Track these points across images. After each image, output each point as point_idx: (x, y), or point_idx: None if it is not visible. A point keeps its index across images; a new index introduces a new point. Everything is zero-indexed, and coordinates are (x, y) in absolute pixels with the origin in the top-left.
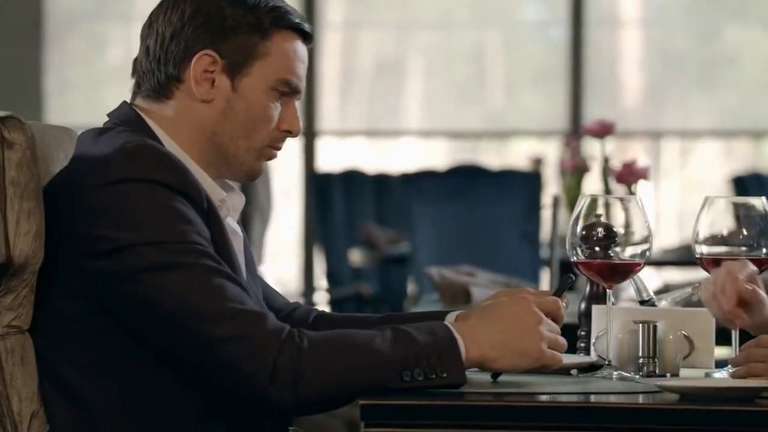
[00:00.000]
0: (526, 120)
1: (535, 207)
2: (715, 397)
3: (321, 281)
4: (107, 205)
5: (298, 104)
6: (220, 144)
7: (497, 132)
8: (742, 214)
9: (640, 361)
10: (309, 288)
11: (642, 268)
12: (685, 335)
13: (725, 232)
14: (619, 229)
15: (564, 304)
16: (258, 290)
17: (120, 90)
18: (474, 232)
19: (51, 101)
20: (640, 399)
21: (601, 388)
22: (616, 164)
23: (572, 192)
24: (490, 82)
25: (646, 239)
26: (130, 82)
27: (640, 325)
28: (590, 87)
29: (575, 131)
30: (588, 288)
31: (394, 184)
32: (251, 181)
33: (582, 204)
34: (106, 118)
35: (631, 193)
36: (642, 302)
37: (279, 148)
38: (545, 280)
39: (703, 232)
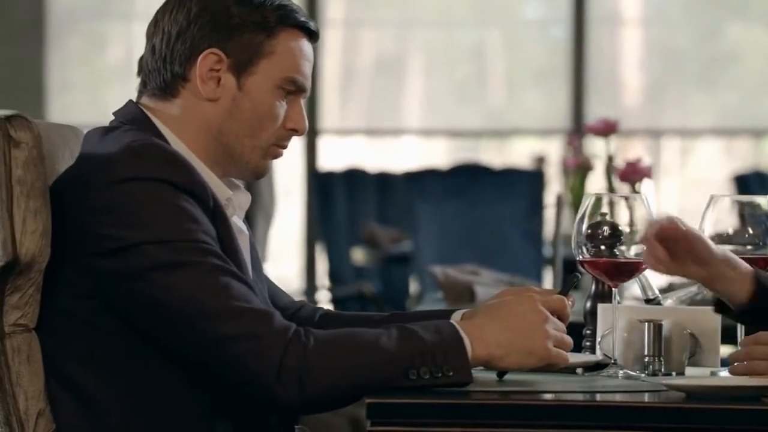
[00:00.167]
0: (526, 119)
1: (537, 206)
2: (721, 396)
3: (323, 280)
4: (113, 204)
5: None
6: (226, 143)
7: (498, 131)
8: (747, 213)
9: (646, 359)
10: (311, 287)
11: (647, 266)
12: (690, 334)
13: (730, 231)
14: (625, 228)
15: (570, 302)
16: (264, 289)
17: (121, 89)
18: (477, 230)
19: (52, 100)
20: (646, 398)
21: (607, 386)
22: (617, 163)
23: (576, 191)
24: (490, 80)
25: None
26: (130, 81)
27: (646, 323)
28: (591, 86)
29: (576, 130)
30: (593, 287)
31: (396, 182)
32: (257, 179)
33: (587, 203)
34: (107, 117)
35: (635, 191)
36: (647, 301)
37: (285, 147)
38: (548, 279)
39: (708, 231)
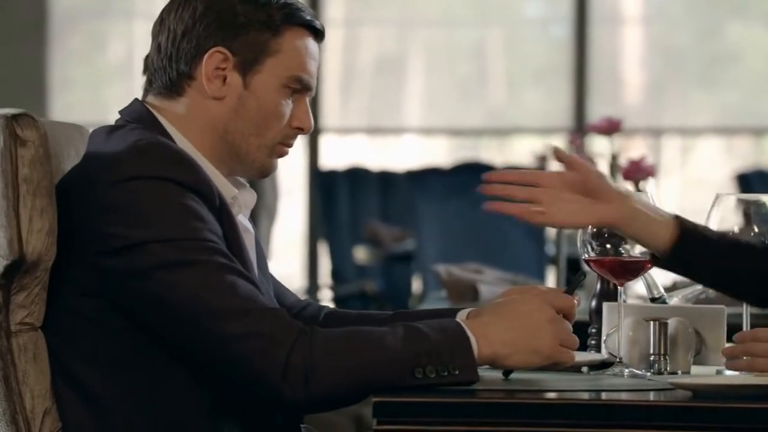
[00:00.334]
0: (527, 117)
1: None
2: (727, 395)
3: (325, 279)
4: (119, 203)
5: None
6: (232, 141)
7: (498, 129)
8: (752, 212)
9: (651, 358)
10: (313, 285)
11: (653, 265)
12: (696, 332)
13: (736, 230)
14: None
15: (575, 301)
16: (269, 287)
17: (122, 88)
18: (479, 229)
19: (54, 99)
20: (652, 396)
21: (613, 385)
22: (620, 161)
23: None
24: (491, 79)
25: None
26: (132, 80)
27: (651, 322)
28: (592, 84)
29: (578, 128)
30: (599, 285)
31: (398, 181)
32: (263, 178)
33: None
34: (108, 116)
35: (639, 189)
36: (653, 299)
37: (290, 145)
38: (551, 277)
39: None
